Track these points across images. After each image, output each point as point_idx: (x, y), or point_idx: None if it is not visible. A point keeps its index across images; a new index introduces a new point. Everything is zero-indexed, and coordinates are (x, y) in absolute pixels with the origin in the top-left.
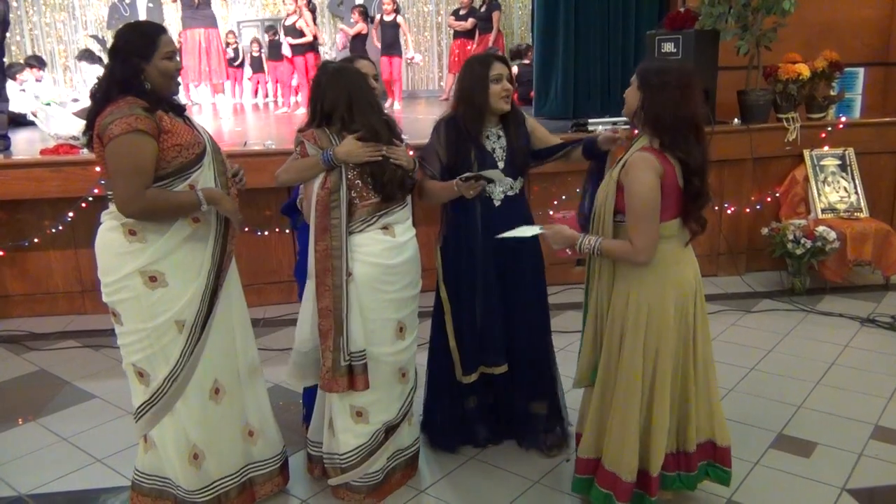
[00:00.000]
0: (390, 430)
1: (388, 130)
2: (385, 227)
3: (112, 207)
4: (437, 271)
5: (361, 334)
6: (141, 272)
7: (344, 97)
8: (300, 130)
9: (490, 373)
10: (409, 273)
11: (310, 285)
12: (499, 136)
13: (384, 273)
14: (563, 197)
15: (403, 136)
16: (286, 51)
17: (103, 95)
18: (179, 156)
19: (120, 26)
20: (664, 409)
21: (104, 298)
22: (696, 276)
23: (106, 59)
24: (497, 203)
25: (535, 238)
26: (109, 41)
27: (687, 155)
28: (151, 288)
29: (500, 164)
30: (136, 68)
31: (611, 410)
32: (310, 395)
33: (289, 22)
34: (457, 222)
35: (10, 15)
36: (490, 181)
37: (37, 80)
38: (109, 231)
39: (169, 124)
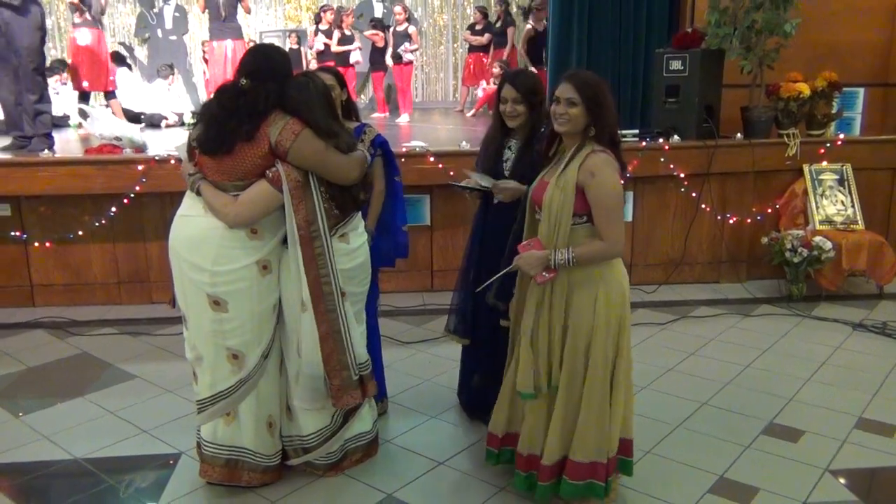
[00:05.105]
0: (350, 412)
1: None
2: (342, 236)
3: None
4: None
5: (363, 346)
6: (258, 262)
7: (316, 101)
8: None
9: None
10: (360, 275)
11: (307, 316)
12: (510, 148)
13: (340, 276)
14: None
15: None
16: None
17: (268, 107)
18: None
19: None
20: (619, 398)
21: (209, 289)
22: None
23: (133, 64)
24: (495, 202)
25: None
26: (136, 48)
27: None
28: (263, 275)
29: (506, 174)
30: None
31: (581, 410)
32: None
33: (400, 28)
34: (476, 212)
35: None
36: (473, 188)
37: (62, 84)
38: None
39: None
